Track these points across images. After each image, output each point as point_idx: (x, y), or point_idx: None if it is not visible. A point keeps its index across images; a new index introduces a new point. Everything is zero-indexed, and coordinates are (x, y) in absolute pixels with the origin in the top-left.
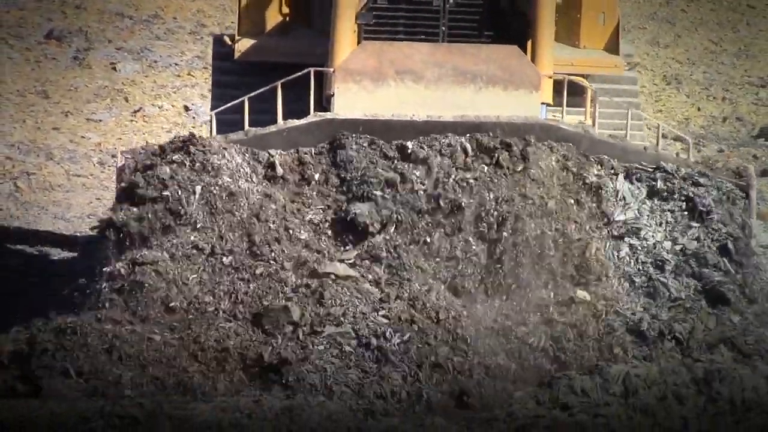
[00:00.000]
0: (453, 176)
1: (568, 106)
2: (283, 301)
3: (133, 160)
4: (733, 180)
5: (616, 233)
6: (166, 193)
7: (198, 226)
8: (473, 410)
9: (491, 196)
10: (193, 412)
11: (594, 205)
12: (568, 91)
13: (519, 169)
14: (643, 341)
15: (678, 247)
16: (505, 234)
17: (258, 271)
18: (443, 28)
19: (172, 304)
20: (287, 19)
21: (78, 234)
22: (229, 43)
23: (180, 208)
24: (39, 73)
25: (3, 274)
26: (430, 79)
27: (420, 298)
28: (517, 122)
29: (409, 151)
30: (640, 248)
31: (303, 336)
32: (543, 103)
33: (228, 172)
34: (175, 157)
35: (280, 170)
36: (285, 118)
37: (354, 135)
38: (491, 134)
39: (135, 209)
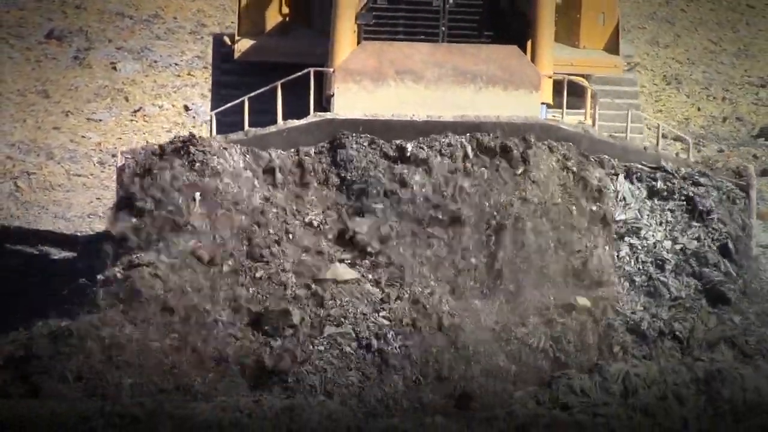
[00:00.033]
0: (453, 178)
1: (569, 107)
2: (283, 304)
3: (133, 159)
4: (733, 180)
5: (616, 233)
6: (165, 203)
7: (197, 231)
8: (473, 410)
9: (492, 198)
10: (193, 412)
11: (594, 205)
12: (569, 92)
13: (519, 170)
14: (643, 340)
15: (678, 247)
16: (505, 235)
17: (258, 274)
18: (443, 28)
19: (170, 309)
20: (287, 19)
21: (78, 233)
22: (229, 43)
23: (180, 217)
24: (39, 72)
25: (3, 274)
26: (430, 79)
27: (420, 299)
28: (517, 122)
29: (409, 153)
30: (640, 248)
31: (303, 338)
32: (543, 103)
33: (228, 174)
34: (176, 162)
35: (279, 173)
36: (285, 118)
37: (354, 134)
38: (491, 134)
39: (134, 220)
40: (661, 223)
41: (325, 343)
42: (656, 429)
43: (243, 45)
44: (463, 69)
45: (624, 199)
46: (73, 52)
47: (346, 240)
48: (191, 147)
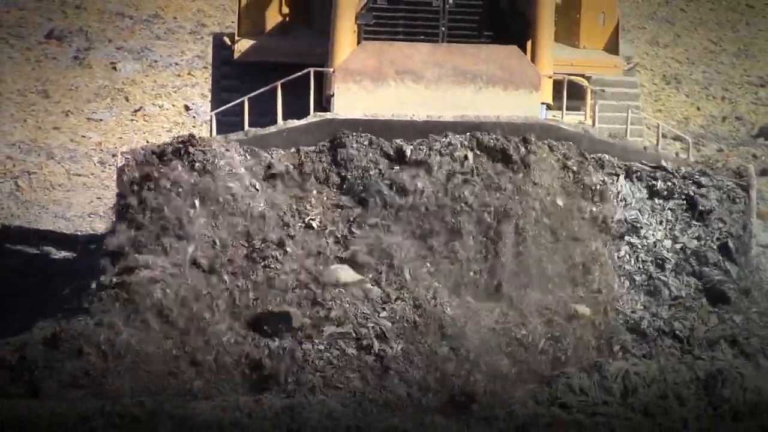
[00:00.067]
0: (454, 180)
1: (570, 109)
2: (284, 306)
3: (134, 160)
4: (733, 179)
5: (616, 232)
6: (164, 206)
7: (197, 234)
8: (473, 410)
9: (492, 197)
10: (193, 411)
11: (594, 205)
12: (570, 93)
13: (520, 171)
14: (643, 339)
15: (678, 246)
16: (505, 234)
17: (258, 277)
18: (443, 28)
19: (169, 313)
20: (287, 19)
21: (78, 233)
22: (229, 43)
23: (179, 221)
24: (40, 72)
25: (3, 274)
26: (430, 79)
27: (421, 299)
28: (517, 122)
29: (408, 157)
30: (640, 247)
31: (303, 339)
32: (543, 103)
33: (228, 174)
34: (175, 164)
35: (279, 173)
36: (285, 118)
37: (354, 133)
38: (491, 134)
39: (132, 232)
40: (661, 223)
41: (325, 343)
42: (656, 428)
43: (243, 45)
44: (463, 69)
45: (624, 198)
46: (73, 52)
47: (346, 239)
48: (191, 147)
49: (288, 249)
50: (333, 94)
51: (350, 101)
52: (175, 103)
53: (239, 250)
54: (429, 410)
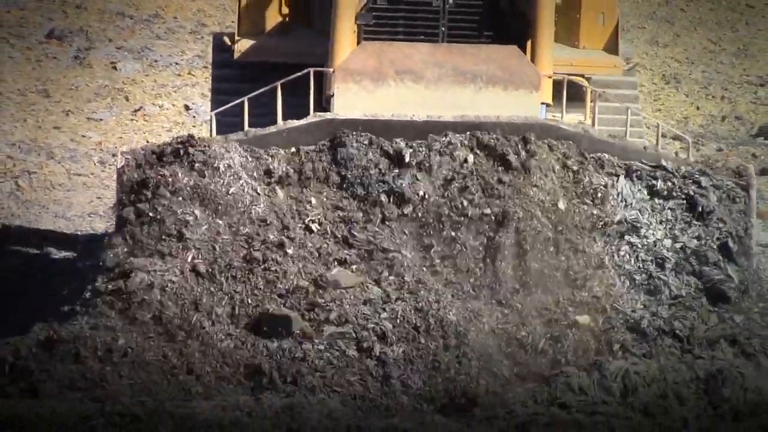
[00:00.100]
0: (453, 181)
1: (570, 109)
2: (283, 308)
3: (134, 160)
4: (733, 179)
5: (616, 232)
6: (164, 209)
7: (196, 237)
8: (473, 409)
9: (492, 197)
10: (194, 410)
11: (594, 204)
12: (570, 93)
13: (520, 172)
14: (643, 339)
15: (678, 246)
16: (506, 234)
17: (258, 278)
18: (443, 28)
19: (168, 315)
20: (287, 19)
21: (79, 233)
22: (229, 43)
23: (178, 223)
24: (40, 72)
25: (3, 273)
26: (430, 79)
27: (421, 299)
28: (517, 122)
29: (407, 160)
30: (640, 246)
31: (303, 340)
32: (543, 103)
33: (227, 174)
34: (175, 165)
35: (279, 173)
36: (285, 118)
37: (354, 133)
38: (491, 134)
39: (130, 242)
40: (661, 222)
41: (325, 343)
42: (656, 428)
43: (243, 45)
44: (463, 69)
45: (624, 198)
46: (74, 51)
47: (346, 240)
48: (190, 148)
49: (288, 251)
50: (333, 94)
51: (350, 101)
52: (175, 102)
53: (239, 251)
54: (429, 411)
